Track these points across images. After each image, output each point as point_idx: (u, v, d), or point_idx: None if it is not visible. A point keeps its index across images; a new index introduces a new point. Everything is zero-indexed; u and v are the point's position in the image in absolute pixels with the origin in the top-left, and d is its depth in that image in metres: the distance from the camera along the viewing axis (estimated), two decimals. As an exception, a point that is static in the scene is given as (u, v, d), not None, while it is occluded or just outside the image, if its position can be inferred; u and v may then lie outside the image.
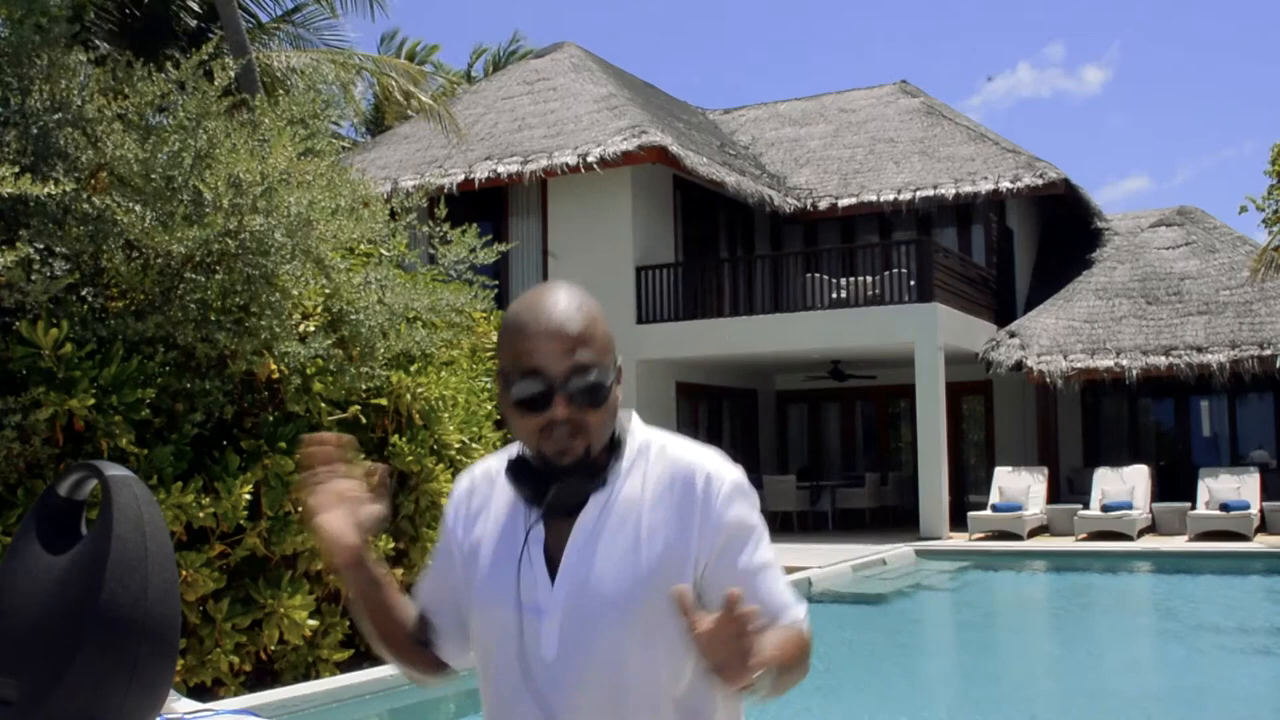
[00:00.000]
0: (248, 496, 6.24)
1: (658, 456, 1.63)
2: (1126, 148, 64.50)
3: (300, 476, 1.61)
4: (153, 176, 6.23)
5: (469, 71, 30.67)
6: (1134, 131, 63.73)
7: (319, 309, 7.09)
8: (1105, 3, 61.10)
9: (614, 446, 1.62)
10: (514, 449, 1.70)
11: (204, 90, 6.48)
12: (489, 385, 8.89)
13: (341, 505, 1.62)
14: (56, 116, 6.29)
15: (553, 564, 1.60)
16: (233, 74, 6.72)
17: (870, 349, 16.71)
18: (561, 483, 1.57)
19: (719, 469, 1.61)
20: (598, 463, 1.59)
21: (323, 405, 6.88)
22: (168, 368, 6.40)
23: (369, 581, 1.67)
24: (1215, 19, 58.64)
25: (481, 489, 1.73)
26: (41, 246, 5.97)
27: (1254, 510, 14.89)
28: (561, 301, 1.57)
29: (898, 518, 18.11)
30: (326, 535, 1.61)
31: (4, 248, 5.63)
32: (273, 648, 6.48)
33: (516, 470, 1.62)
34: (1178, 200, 23.81)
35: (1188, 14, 59.89)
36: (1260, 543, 14.26)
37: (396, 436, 7.47)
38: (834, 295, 16.48)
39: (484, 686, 1.67)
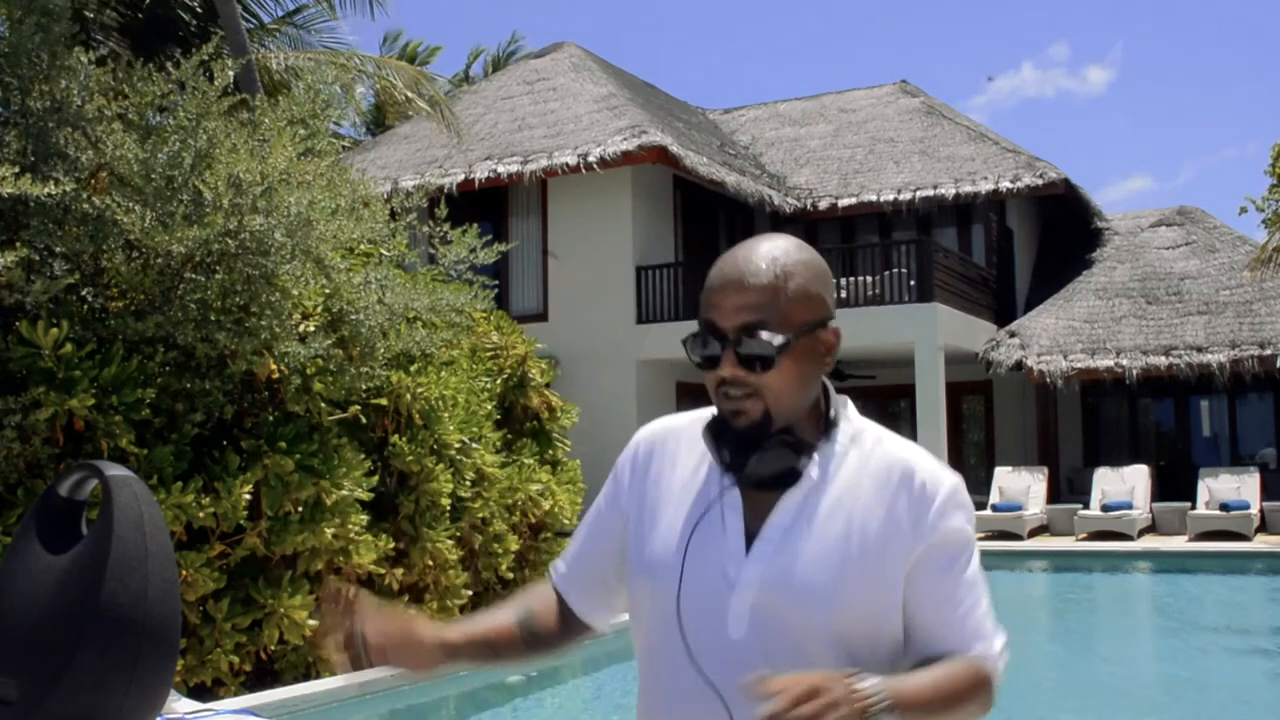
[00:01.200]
0: (248, 496, 6.24)
1: (874, 447, 1.52)
2: (1129, 148, 64.62)
3: (325, 627, 1.51)
4: (153, 176, 6.22)
5: (467, 72, 30.68)
6: (1137, 132, 63.85)
7: (319, 309, 7.09)
8: (1109, 3, 61.15)
9: (828, 426, 1.52)
10: (709, 410, 1.58)
11: (204, 90, 6.48)
12: (489, 385, 8.89)
13: (394, 636, 1.52)
14: (56, 116, 6.29)
15: (749, 539, 1.49)
16: (232, 74, 6.72)
17: (870, 349, 16.71)
18: (765, 450, 1.46)
19: (938, 473, 1.50)
20: (799, 436, 1.48)
21: (323, 405, 6.88)
22: (168, 368, 6.40)
23: (470, 656, 1.60)
24: (1218, 20, 58.67)
25: (664, 446, 1.62)
26: (41, 246, 5.98)
27: (1254, 510, 14.88)
28: (758, 254, 1.47)
29: (898, 518, 18.09)
30: (404, 666, 1.52)
31: (4, 248, 5.63)
32: (273, 648, 6.48)
33: (718, 430, 1.50)
34: (1180, 200, 23.80)
35: (1191, 14, 59.93)
36: (1260, 543, 14.26)
37: (396, 436, 7.47)
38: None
39: (643, 659, 1.57)
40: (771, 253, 1.47)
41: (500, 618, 1.66)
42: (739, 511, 1.50)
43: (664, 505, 1.56)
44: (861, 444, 1.52)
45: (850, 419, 1.55)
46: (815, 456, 1.49)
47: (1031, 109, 62.09)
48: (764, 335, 1.43)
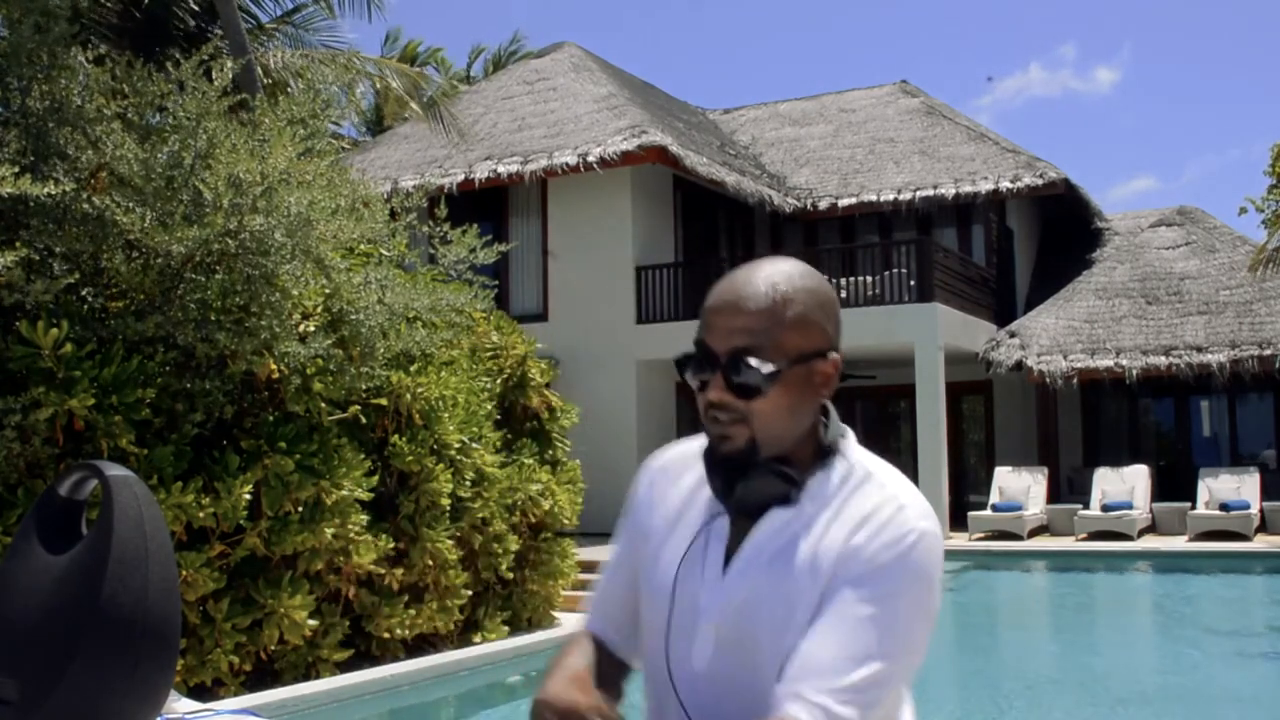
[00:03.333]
0: (248, 496, 6.24)
1: (859, 485, 1.43)
2: (1135, 148, 64.53)
3: None
4: (153, 176, 6.23)
5: (468, 71, 30.71)
6: (1143, 132, 63.76)
7: (319, 309, 7.09)
8: (1117, 4, 61.16)
9: (821, 456, 1.45)
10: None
11: (204, 90, 6.48)
12: (489, 385, 8.89)
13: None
14: (56, 116, 6.29)
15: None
16: (232, 74, 6.73)
17: (870, 349, 16.71)
18: (752, 478, 1.41)
19: (908, 513, 1.39)
20: (790, 465, 1.43)
21: (323, 405, 6.88)
22: (168, 368, 6.40)
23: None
24: (1225, 20, 58.72)
25: (668, 473, 1.59)
26: (41, 246, 5.98)
27: (1254, 510, 14.88)
28: (759, 276, 1.42)
29: (898, 518, 18.08)
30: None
31: (4, 248, 5.63)
32: (273, 648, 6.48)
33: (711, 456, 1.46)
34: (1185, 201, 23.78)
35: (1198, 15, 59.97)
36: (1260, 543, 14.26)
37: (396, 436, 7.47)
38: (834, 295, 16.47)
39: (645, 678, 1.55)
40: (773, 277, 1.42)
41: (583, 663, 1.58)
42: (724, 539, 1.46)
43: (666, 530, 1.53)
44: (850, 481, 1.44)
45: (846, 453, 1.47)
46: (803, 487, 1.43)
47: (1038, 109, 62.05)
48: (754, 362, 1.38)
